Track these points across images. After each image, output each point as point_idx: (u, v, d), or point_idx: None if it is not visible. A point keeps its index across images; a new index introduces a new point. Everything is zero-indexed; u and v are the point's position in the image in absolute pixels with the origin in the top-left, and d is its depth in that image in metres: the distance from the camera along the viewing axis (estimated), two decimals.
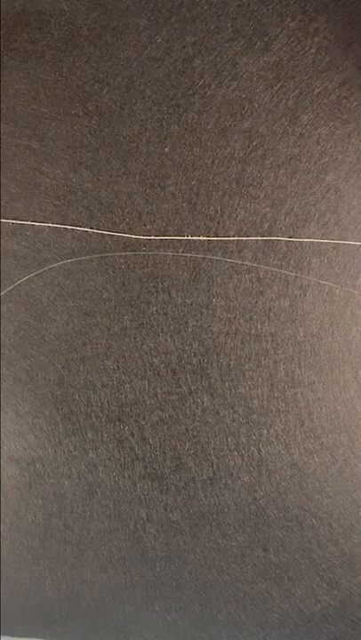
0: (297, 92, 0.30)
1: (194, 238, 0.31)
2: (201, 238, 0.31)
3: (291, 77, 0.30)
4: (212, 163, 0.31)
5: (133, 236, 0.32)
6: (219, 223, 0.32)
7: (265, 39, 0.30)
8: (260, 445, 0.33)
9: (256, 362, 0.32)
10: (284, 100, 0.30)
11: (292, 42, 0.30)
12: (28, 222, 0.32)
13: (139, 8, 0.30)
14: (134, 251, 0.32)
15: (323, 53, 0.30)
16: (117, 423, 0.33)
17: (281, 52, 0.30)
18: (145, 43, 0.31)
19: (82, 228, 0.32)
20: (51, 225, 0.32)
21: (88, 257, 0.32)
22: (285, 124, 0.30)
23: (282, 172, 0.31)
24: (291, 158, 0.31)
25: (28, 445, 0.34)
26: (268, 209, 0.31)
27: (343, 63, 0.30)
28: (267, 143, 0.31)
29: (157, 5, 0.30)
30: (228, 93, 0.30)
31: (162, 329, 0.33)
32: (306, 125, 0.30)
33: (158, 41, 0.31)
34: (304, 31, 0.30)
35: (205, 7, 0.30)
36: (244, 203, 0.31)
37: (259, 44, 0.30)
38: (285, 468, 0.33)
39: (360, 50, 0.29)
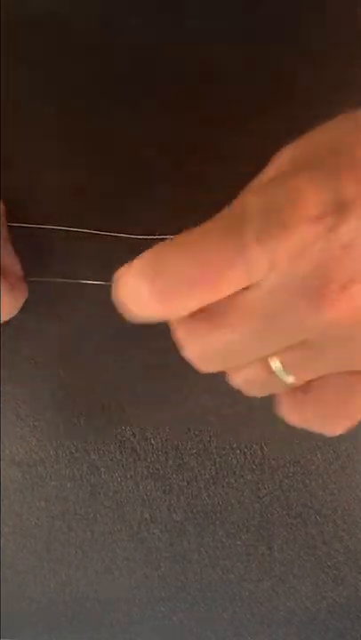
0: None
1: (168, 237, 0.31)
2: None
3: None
4: (207, 160, 0.31)
5: (133, 236, 0.32)
6: None
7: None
8: (263, 443, 0.33)
9: None
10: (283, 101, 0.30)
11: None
12: (25, 224, 0.32)
13: (131, 8, 0.31)
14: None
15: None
16: (119, 424, 0.33)
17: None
18: (138, 43, 0.31)
19: (76, 229, 0.32)
20: (47, 227, 0.32)
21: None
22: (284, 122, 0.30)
23: None
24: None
25: (29, 448, 0.34)
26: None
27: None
28: (263, 141, 0.31)
29: (150, 5, 0.30)
30: None
31: (161, 328, 0.33)
32: (306, 122, 0.30)
33: (151, 41, 0.31)
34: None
35: (197, 5, 0.30)
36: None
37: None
38: (288, 465, 0.33)
39: None
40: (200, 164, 0.31)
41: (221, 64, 0.30)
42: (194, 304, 0.17)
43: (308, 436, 0.33)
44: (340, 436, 0.33)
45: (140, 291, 0.17)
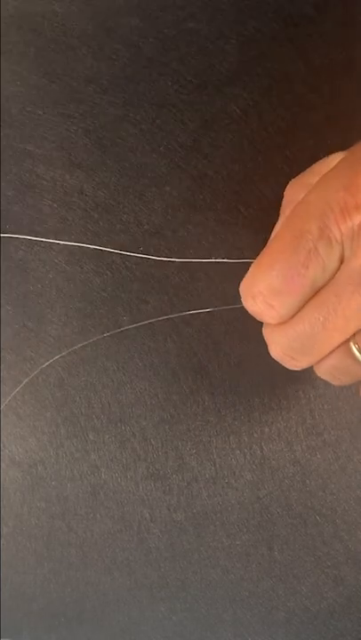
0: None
1: (196, 261, 0.31)
2: (204, 261, 0.31)
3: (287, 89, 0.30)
4: (207, 160, 0.31)
5: (152, 257, 0.31)
6: (217, 222, 0.31)
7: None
8: (262, 443, 0.33)
9: (256, 360, 0.32)
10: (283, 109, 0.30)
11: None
12: (26, 237, 0.32)
13: (131, 8, 0.30)
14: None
15: None
16: (119, 424, 0.33)
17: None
18: (138, 43, 0.31)
19: (77, 244, 0.32)
20: (46, 240, 0.32)
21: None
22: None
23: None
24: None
25: (29, 448, 0.34)
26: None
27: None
28: (263, 141, 0.31)
29: (150, 5, 0.30)
30: None
31: (160, 329, 0.33)
32: (316, 127, 0.30)
33: (151, 41, 0.30)
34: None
35: (199, 5, 0.30)
36: (245, 208, 0.31)
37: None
38: (288, 465, 0.33)
39: None
40: (201, 164, 0.31)
41: (221, 64, 0.30)
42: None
43: (308, 435, 0.33)
44: (340, 436, 0.33)
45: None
